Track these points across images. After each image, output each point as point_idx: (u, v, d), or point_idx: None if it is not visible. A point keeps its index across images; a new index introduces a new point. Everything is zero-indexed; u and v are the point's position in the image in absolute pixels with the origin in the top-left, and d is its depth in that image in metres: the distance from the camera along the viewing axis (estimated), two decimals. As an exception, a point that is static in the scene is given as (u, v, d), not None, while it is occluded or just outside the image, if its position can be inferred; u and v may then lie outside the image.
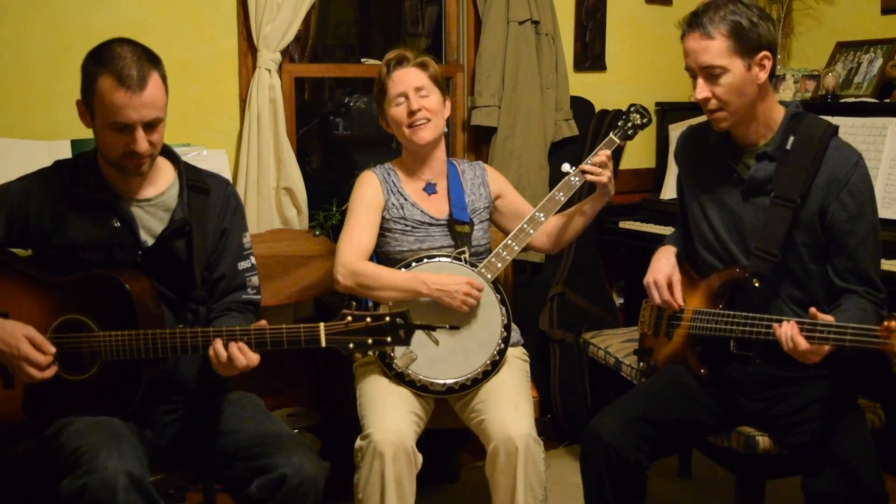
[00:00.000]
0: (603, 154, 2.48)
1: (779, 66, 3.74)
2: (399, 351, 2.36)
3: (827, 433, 2.08)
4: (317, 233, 3.21)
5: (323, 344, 1.89)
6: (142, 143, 1.95)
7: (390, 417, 2.27)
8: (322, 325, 1.89)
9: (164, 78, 1.99)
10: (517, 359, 2.54)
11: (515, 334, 2.58)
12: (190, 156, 2.72)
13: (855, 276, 2.11)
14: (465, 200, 2.57)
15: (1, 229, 2.06)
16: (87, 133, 2.07)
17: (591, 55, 3.85)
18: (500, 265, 2.46)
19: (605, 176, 2.47)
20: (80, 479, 1.82)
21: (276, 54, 3.08)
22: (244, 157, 3.09)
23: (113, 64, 1.91)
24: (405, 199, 2.54)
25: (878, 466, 2.05)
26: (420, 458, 2.27)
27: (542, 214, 2.50)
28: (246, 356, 1.92)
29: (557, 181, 2.55)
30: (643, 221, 3.67)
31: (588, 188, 2.60)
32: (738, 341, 2.15)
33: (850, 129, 3.04)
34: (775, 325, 1.98)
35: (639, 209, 3.79)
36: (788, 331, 1.93)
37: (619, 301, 3.89)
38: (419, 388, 2.39)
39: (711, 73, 2.10)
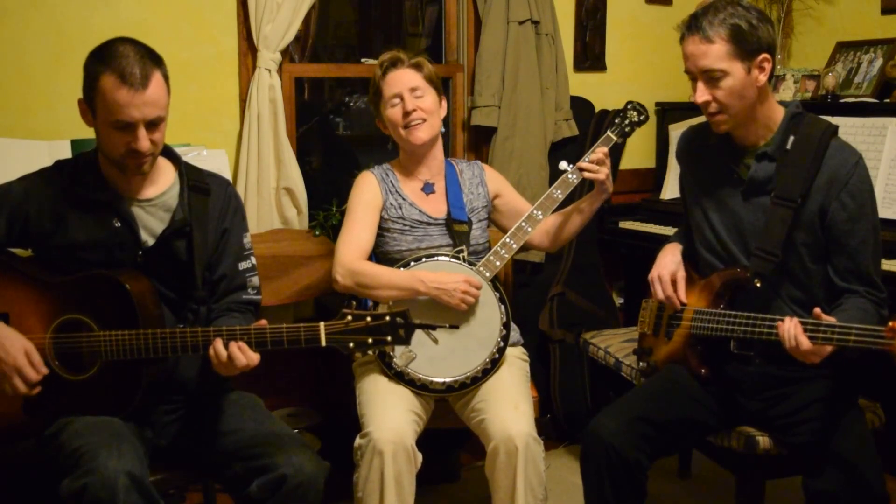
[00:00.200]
0: (600, 151, 2.48)
1: (779, 67, 3.74)
2: (398, 350, 2.36)
3: (827, 433, 2.08)
4: (317, 233, 3.21)
5: (323, 343, 1.89)
6: (144, 141, 1.95)
7: (390, 416, 2.27)
8: (322, 324, 1.89)
9: (166, 77, 2.00)
10: (517, 358, 2.54)
11: (515, 334, 2.58)
12: (190, 156, 2.73)
13: (855, 276, 2.11)
14: (462, 200, 2.57)
15: (1, 229, 2.06)
16: (88, 133, 2.07)
17: (591, 55, 3.85)
18: (498, 263, 2.46)
19: (602, 173, 2.47)
20: (80, 480, 1.82)
21: (276, 54, 3.08)
22: (244, 157, 3.09)
23: (116, 63, 1.92)
24: (403, 199, 2.54)
25: (878, 466, 2.05)
26: (420, 456, 2.27)
27: (539, 212, 2.50)
28: (246, 355, 1.92)
29: (557, 181, 2.55)
30: (643, 221, 3.67)
31: (587, 186, 2.60)
32: (739, 341, 2.15)
33: (850, 129, 3.04)
34: (779, 322, 1.98)
35: (639, 209, 3.79)
36: (791, 329, 1.93)
37: (619, 301, 3.89)
38: (419, 387, 2.39)
39: (711, 77, 2.10)
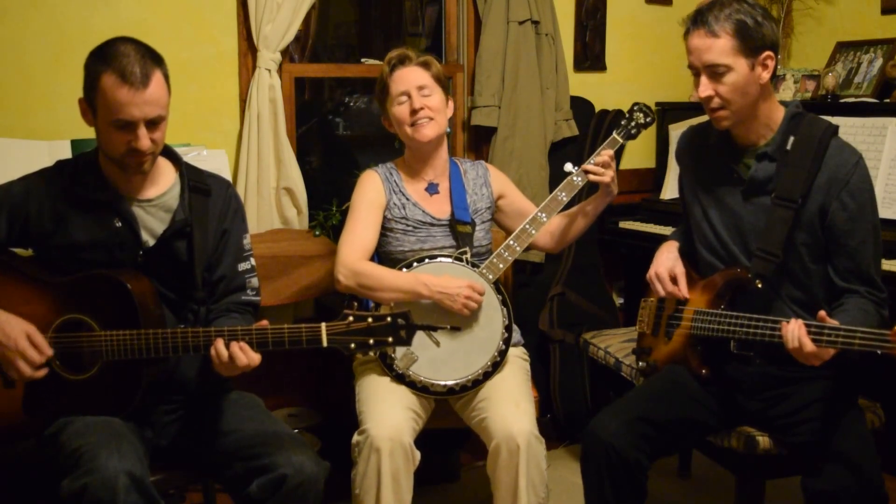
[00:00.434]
0: (606, 154, 2.48)
1: (779, 66, 3.73)
2: (400, 352, 2.36)
3: (827, 433, 2.08)
4: (317, 233, 3.21)
5: (325, 344, 1.89)
6: (144, 140, 1.95)
7: (388, 413, 2.27)
8: (324, 325, 1.89)
9: (166, 77, 2.00)
10: (518, 358, 2.54)
11: (516, 334, 2.58)
12: (190, 156, 2.72)
13: (856, 276, 2.11)
14: (466, 201, 2.56)
15: (2, 229, 2.06)
16: (88, 133, 2.07)
17: (591, 55, 3.85)
18: (501, 266, 2.46)
19: (608, 176, 2.47)
20: (80, 480, 1.81)
21: (276, 54, 3.08)
22: (244, 157, 3.08)
23: (116, 62, 1.92)
24: (407, 199, 2.53)
25: (878, 466, 2.05)
26: (418, 454, 2.27)
27: (544, 215, 2.50)
28: (247, 356, 1.92)
29: (557, 181, 2.54)
30: (643, 221, 3.67)
31: (589, 187, 2.60)
32: (739, 341, 2.14)
33: (850, 129, 3.04)
34: (783, 322, 1.98)
35: (639, 209, 3.79)
36: (796, 330, 1.93)
37: (619, 301, 3.89)
38: (419, 389, 2.39)
39: (715, 72, 2.10)
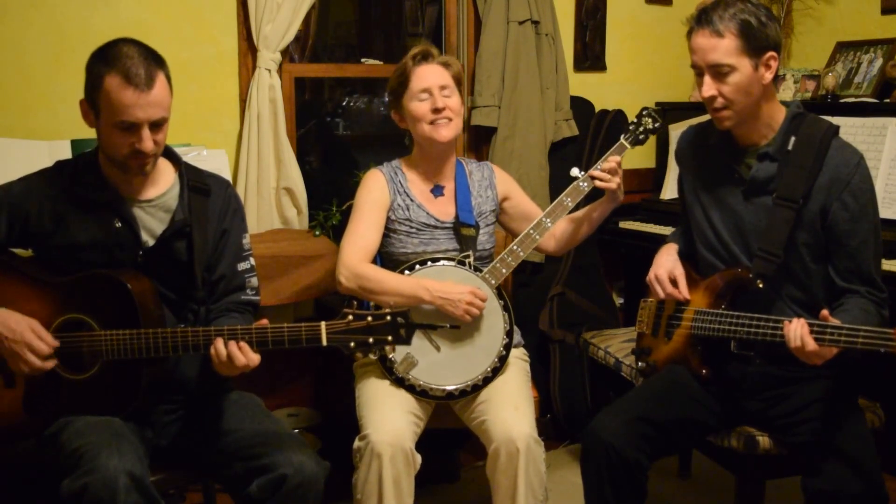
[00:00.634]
0: (613, 160, 2.45)
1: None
2: (400, 356, 2.35)
3: (827, 433, 2.08)
4: (317, 233, 3.21)
5: (324, 343, 1.89)
6: (147, 142, 1.96)
7: (388, 418, 2.27)
8: (324, 323, 1.89)
9: (168, 78, 2.00)
10: (518, 359, 2.54)
11: (516, 335, 2.57)
12: (190, 156, 2.72)
13: (857, 275, 2.11)
14: (471, 203, 2.54)
15: (2, 229, 2.06)
16: (88, 133, 2.07)
17: (591, 55, 3.85)
18: (504, 271, 2.44)
19: (614, 182, 2.44)
20: (80, 479, 1.81)
21: (276, 54, 3.08)
22: (244, 157, 3.08)
23: (120, 63, 1.92)
24: (411, 201, 2.52)
25: (878, 466, 2.05)
26: (419, 459, 2.26)
27: (549, 220, 2.48)
28: (246, 356, 1.92)
29: (557, 181, 2.54)
30: (643, 221, 3.66)
31: (593, 190, 2.58)
32: (739, 341, 2.14)
33: (851, 129, 3.04)
34: (786, 321, 1.97)
35: (639, 209, 3.79)
36: (798, 329, 1.93)
37: (619, 301, 3.89)
38: (419, 393, 2.38)
39: (719, 72, 2.09)
